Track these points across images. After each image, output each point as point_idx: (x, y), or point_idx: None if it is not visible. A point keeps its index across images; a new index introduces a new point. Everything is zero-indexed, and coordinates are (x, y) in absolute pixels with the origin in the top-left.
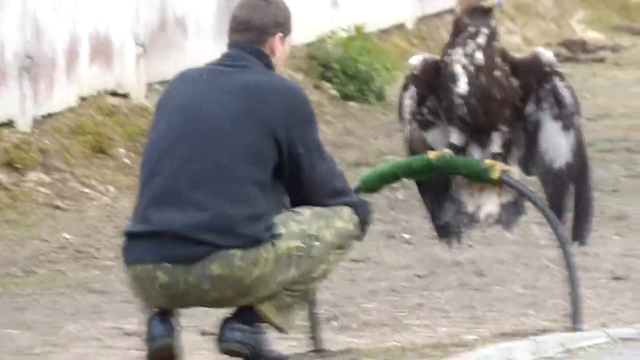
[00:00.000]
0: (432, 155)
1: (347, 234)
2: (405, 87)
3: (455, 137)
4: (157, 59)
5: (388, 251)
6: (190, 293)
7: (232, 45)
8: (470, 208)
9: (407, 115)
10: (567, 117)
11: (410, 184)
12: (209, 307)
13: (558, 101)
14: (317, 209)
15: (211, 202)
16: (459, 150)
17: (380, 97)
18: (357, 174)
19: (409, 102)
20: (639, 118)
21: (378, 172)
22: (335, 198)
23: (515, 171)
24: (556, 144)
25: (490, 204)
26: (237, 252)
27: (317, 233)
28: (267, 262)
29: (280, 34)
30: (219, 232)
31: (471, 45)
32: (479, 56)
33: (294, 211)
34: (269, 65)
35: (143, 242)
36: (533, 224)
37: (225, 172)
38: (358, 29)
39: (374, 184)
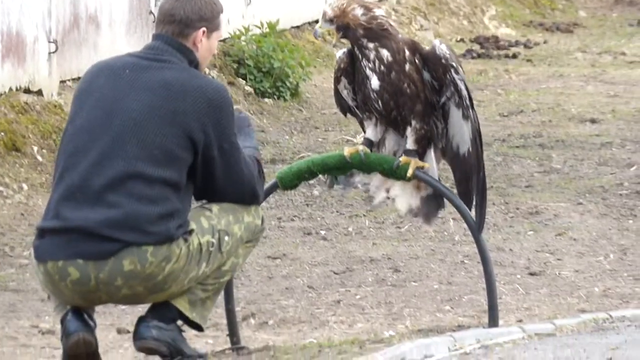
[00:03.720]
0: (346, 152)
1: (256, 228)
2: (337, 80)
3: (370, 132)
4: (70, 56)
5: (304, 248)
6: (102, 290)
7: (155, 37)
8: (372, 191)
9: (351, 102)
10: (465, 107)
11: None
12: (121, 304)
13: (457, 91)
14: (225, 204)
15: (123, 201)
16: (374, 145)
17: (295, 93)
18: (273, 171)
19: (345, 92)
20: (551, 114)
21: (294, 169)
22: (242, 199)
23: (429, 167)
24: (461, 130)
25: (409, 197)
26: (149, 248)
27: (227, 228)
28: (180, 257)
29: (204, 29)
30: (130, 229)
31: (371, 49)
32: (386, 53)
33: (202, 207)
34: (193, 61)
35: (54, 238)
36: (449, 219)
37: (137, 172)
38: (271, 26)
39: (291, 181)
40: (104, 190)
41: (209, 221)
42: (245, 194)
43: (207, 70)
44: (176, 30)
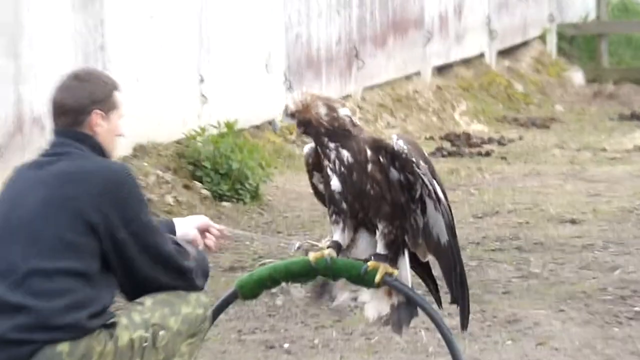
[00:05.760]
0: (311, 257)
1: (196, 319)
2: (310, 174)
3: (338, 235)
4: (14, 162)
5: None
6: None
7: (53, 132)
8: (336, 290)
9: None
10: (434, 200)
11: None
12: None
13: (425, 185)
14: (160, 296)
15: (27, 300)
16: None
17: (255, 196)
18: (232, 279)
19: (321, 186)
20: (528, 215)
21: (255, 277)
22: (173, 282)
23: (398, 273)
24: (438, 221)
25: (379, 303)
26: (65, 348)
27: (162, 321)
28: (104, 355)
29: (98, 111)
30: (39, 328)
31: (332, 149)
32: (346, 154)
33: (135, 302)
34: (95, 146)
35: None
36: (421, 329)
37: (34, 269)
38: (229, 125)
39: (252, 290)
40: (6, 292)
41: (142, 315)
42: (171, 274)
43: (160, 173)
44: (69, 121)
